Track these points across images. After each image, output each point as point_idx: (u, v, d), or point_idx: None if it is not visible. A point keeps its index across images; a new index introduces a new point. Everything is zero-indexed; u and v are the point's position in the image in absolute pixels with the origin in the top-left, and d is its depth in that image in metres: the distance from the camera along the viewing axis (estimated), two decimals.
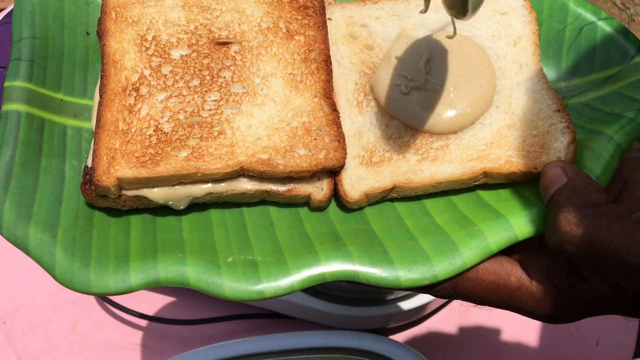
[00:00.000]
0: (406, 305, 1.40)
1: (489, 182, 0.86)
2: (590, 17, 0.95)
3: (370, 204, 0.86)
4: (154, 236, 0.79)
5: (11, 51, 0.85)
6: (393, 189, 0.85)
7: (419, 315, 1.47)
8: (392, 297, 1.41)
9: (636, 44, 0.91)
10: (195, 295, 1.51)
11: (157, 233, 0.79)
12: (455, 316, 1.52)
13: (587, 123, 0.87)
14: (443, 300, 1.48)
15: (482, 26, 0.96)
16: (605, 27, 0.94)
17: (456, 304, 1.52)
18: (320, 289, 1.41)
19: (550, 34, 0.96)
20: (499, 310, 0.81)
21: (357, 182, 0.84)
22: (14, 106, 0.81)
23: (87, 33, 0.91)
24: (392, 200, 0.86)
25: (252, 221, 0.82)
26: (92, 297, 1.52)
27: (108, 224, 0.80)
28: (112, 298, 1.48)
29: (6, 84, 0.82)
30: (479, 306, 0.82)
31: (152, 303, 1.53)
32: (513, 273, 0.78)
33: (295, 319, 1.47)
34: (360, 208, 0.85)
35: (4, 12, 1.44)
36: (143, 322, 1.51)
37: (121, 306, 1.47)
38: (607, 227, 0.68)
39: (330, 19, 0.94)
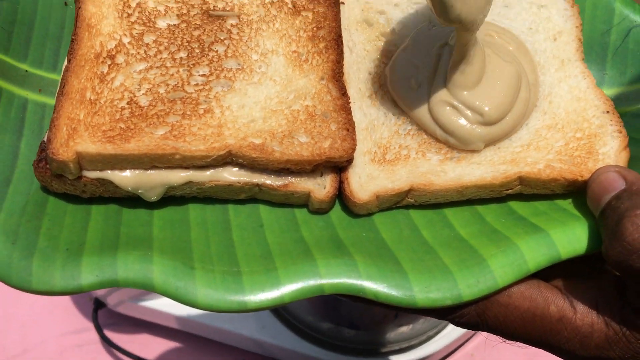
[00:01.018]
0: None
1: (524, 191, 0.75)
2: (639, 18, 0.87)
3: (381, 210, 0.74)
4: (117, 230, 0.68)
5: None
6: (409, 191, 0.73)
7: None
8: (397, 347, 1.39)
9: None
10: (204, 344, 1.51)
11: (122, 227, 0.69)
12: None
13: (636, 133, 0.79)
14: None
15: (518, 18, 0.88)
16: None
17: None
18: (327, 340, 1.41)
19: (593, 35, 0.88)
20: (532, 350, 0.69)
21: (366, 181, 0.74)
22: None
23: (65, 4, 0.83)
24: (407, 207, 0.75)
25: (238, 222, 0.72)
26: (97, 341, 1.55)
27: (63, 212, 0.70)
28: (119, 342, 1.48)
29: None
30: (509, 342, 0.70)
31: (158, 348, 1.55)
32: (554, 301, 0.67)
33: None
34: (369, 214, 0.74)
35: None
36: None
37: (127, 352, 1.47)
38: None
39: (344, 3, 0.86)
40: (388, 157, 0.76)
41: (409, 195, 0.74)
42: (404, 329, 1.54)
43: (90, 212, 0.70)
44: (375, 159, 0.76)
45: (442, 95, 0.76)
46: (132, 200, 0.71)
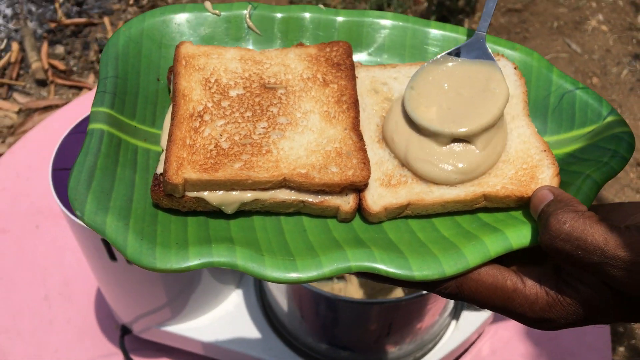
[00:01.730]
0: None
1: (488, 205, 0.97)
2: (570, 86, 1.08)
3: (388, 219, 0.96)
4: (207, 232, 0.89)
5: (98, 85, 0.99)
6: (408, 205, 0.95)
7: None
8: None
9: (608, 108, 1.04)
10: None
11: (210, 230, 0.90)
12: None
13: (569, 166, 0.99)
14: None
15: None
16: (582, 94, 1.07)
17: None
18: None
19: (538, 98, 1.09)
20: None
21: (377, 198, 0.95)
22: (98, 125, 0.94)
23: (158, 79, 1.05)
24: (407, 217, 0.97)
25: (288, 228, 0.93)
26: None
27: (169, 221, 0.90)
28: None
29: (92, 109, 0.96)
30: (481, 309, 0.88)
31: None
32: (509, 278, 0.86)
33: None
34: (380, 221, 0.95)
35: (76, 122, 1.59)
36: None
37: None
38: (590, 225, 0.77)
39: (358, 77, 1.08)
40: (392, 182, 0.97)
41: (408, 208, 0.96)
42: (394, 349, 1.70)
43: (186, 222, 0.91)
44: (383, 183, 0.97)
45: (419, 154, 0.97)
46: (215, 213, 0.92)
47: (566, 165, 0.99)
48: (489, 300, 0.86)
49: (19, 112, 2.98)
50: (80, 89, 3.05)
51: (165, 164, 0.90)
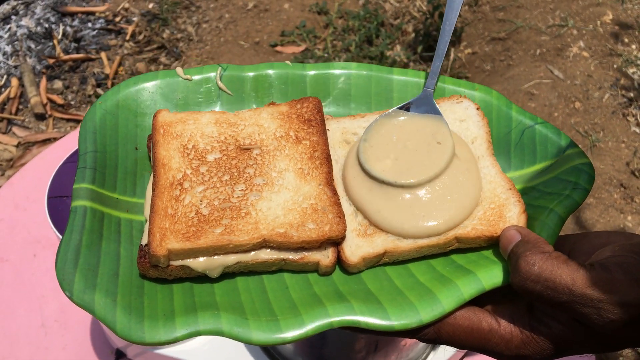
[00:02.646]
0: None
1: (460, 246, 0.98)
2: (529, 122, 1.11)
3: (367, 268, 0.97)
4: (193, 299, 0.91)
5: (78, 162, 1.01)
6: (385, 253, 0.97)
7: None
8: None
9: (567, 141, 1.07)
10: None
11: (195, 297, 0.91)
12: None
13: (534, 201, 1.01)
14: None
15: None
16: (542, 129, 1.10)
17: None
18: None
19: (500, 135, 1.12)
20: None
21: (355, 249, 0.96)
22: (81, 202, 0.96)
23: (136, 148, 1.07)
24: (385, 264, 0.98)
25: (270, 286, 0.94)
26: None
27: (155, 291, 0.92)
28: None
29: (75, 186, 0.98)
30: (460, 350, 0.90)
31: None
32: (484, 319, 0.88)
33: None
34: (359, 271, 0.97)
35: (70, 152, 1.61)
36: None
37: None
38: (557, 266, 0.80)
39: (329, 130, 1.11)
40: (368, 232, 0.99)
41: (385, 256, 0.97)
42: None
43: (172, 289, 0.92)
44: (360, 233, 0.98)
45: (381, 210, 0.99)
46: (200, 277, 0.94)
47: (532, 200, 1.01)
48: (467, 342, 0.88)
49: (18, 146, 3.01)
50: (78, 122, 3.07)
51: (148, 235, 0.92)
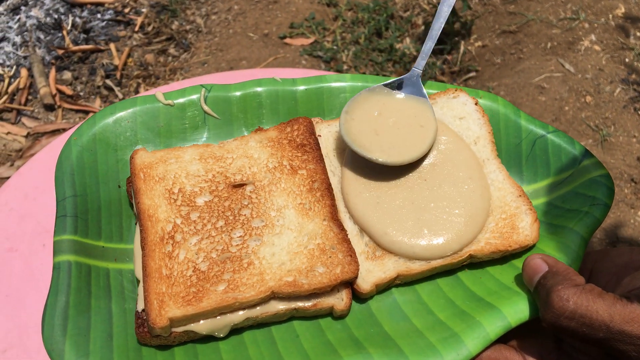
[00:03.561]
0: None
1: (473, 261, 0.92)
2: (540, 131, 1.02)
3: (378, 292, 0.90)
4: None
5: (57, 209, 0.91)
6: (397, 277, 0.90)
7: None
8: None
9: (582, 151, 0.99)
10: None
11: (199, 357, 0.83)
12: None
13: (553, 219, 0.94)
14: None
15: None
16: (554, 138, 1.01)
17: None
18: None
19: (509, 147, 1.03)
20: None
21: (366, 275, 0.89)
22: (64, 257, 0.86)
23: (119, 186, 0.98)
24: (396, 286, 0.91)
25: (279, 336, 0.86)
26: None
27: (154, 354, 0.83)
28: None
29: (55, 238, 0.88)
30: None
31: None
32: (512, 358, 0.82)
33: None
34: (371, 297, 0.90)
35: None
36: None
37: None
38: (593, 300, 0.73)
39: (320, 136, 1.01)
40: (377, 254, 0.91)
41: (397, 279, 0.90)
42: None
43: (174, 352, 0.83)
44: (369, 257, 0.91)
45: (393, 238, 0.91)
46: (204, 337, 0.84)
47: (551, 218, 0.94)
48: None
49: (27, 136, 2.94)
50: (87, 112, 3.01)
51: (145, 304, 0.82)
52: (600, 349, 0.76)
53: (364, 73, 2.76)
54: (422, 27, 3.06)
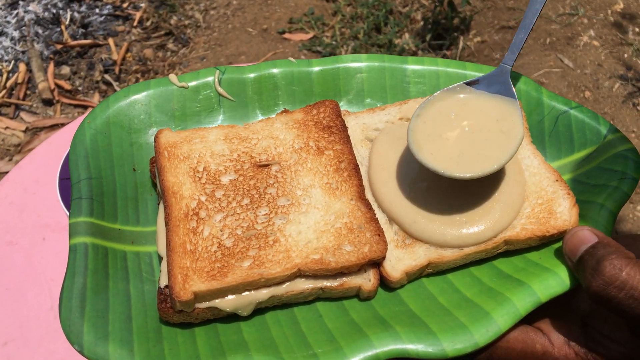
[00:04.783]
0: None
1: (509, 249, 0.86)
2: (563, 107, 0.98)
3: (410, 281, 0.85)
4: (218, 339, 0.77)
5: (72, 192, 0.87)
6: (428, 265, 0.84)
7: None
8: None
9: (606, 125, 0.95)
10: None
11: (220, 336, 0.78)
12: None
13: (579, 195, 0.90)
14: None
15: None
16: (577, 114, 0.97)
17: None
18: None
19: (532, 124, 0.99)
20: None
21: (396, 263, 0.84)
22: (80, 239, 0.82)
23: (134, 169, 0.94)
24: (428, 275, 0.86)
25: (302, 316, 0.81)
26: None
27: (175, 334, 0.79)
28: None
29: (71, 220, 0.84)
30: None
31: None
32: (538, 341, 0.79)
33: None
34: (402, 286, 0.85)
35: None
36: None
37: None
38: None
39: (347, 127, 0.97)
40: (407, 242, 0.86)
41: (428, 267, 0.85)
42: None
43: (194, 330, 0.79)
44: (398, 244, 0.86)
45: (425, 225, 0.86)
46: (226, 316, 0.80)
47: (577, 194, 0.89)
48: None
49: (25, 131, 2.90)
50: (85, 107, 2.96)
51: (169, 278, 0.78)
52: (635, 327, 0.73)
53: None
54: (421, 23, 3.02)
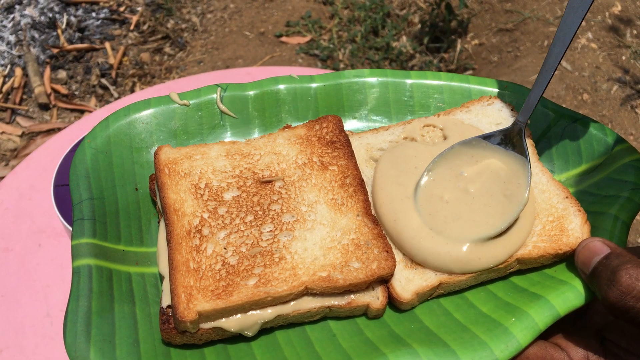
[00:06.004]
0: None
1: (521, 268, 0.85)
2: (569, 119, 0.97)
3: (420, 302, 0.83)
4: None
5: (73, 213, 0.85)
6: (439, 285, 0.82)
7: None
8: None
9: (613, 136, 0.94)
10: None
11: (232, 359, 0.76)
12: None
13: (590, 206, 0.88)
14: None
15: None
16: (583, 126, 0.96)
17: None
18: None
19: (539, 137, 0.98)
20: None
21: (406, 283, 0.82)
22: (83, 261, 0.80)
23: (136, 189, 0.92)
24: (439, 296, 0.84)
25: (315, 336, 0.79)
26: None
27: (184, 357, 0.76)
28: None
29: (73, 242, 0.82)
30: None
31: None
32: (557, 357, 0.77)
33: None
34: (412, 307, 0.82)
35: (76, 140, 1.49)
36: None
37: None
38: None
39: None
40: (416, 262, 0.84)
41: (440, 287, 0.82)
42: None
43: (204, 353, 0.76)
44: (407, 265, 0.83)
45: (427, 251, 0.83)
46: (233, 337, 0.77)
47: (587, 205, 0.88)
48: None
49: (22, 136, 2.86)
50: (82, 112, 2.93)
51: (172, 297, 0.75)
52: None
53: None
54: (419, 26, 3.01)
